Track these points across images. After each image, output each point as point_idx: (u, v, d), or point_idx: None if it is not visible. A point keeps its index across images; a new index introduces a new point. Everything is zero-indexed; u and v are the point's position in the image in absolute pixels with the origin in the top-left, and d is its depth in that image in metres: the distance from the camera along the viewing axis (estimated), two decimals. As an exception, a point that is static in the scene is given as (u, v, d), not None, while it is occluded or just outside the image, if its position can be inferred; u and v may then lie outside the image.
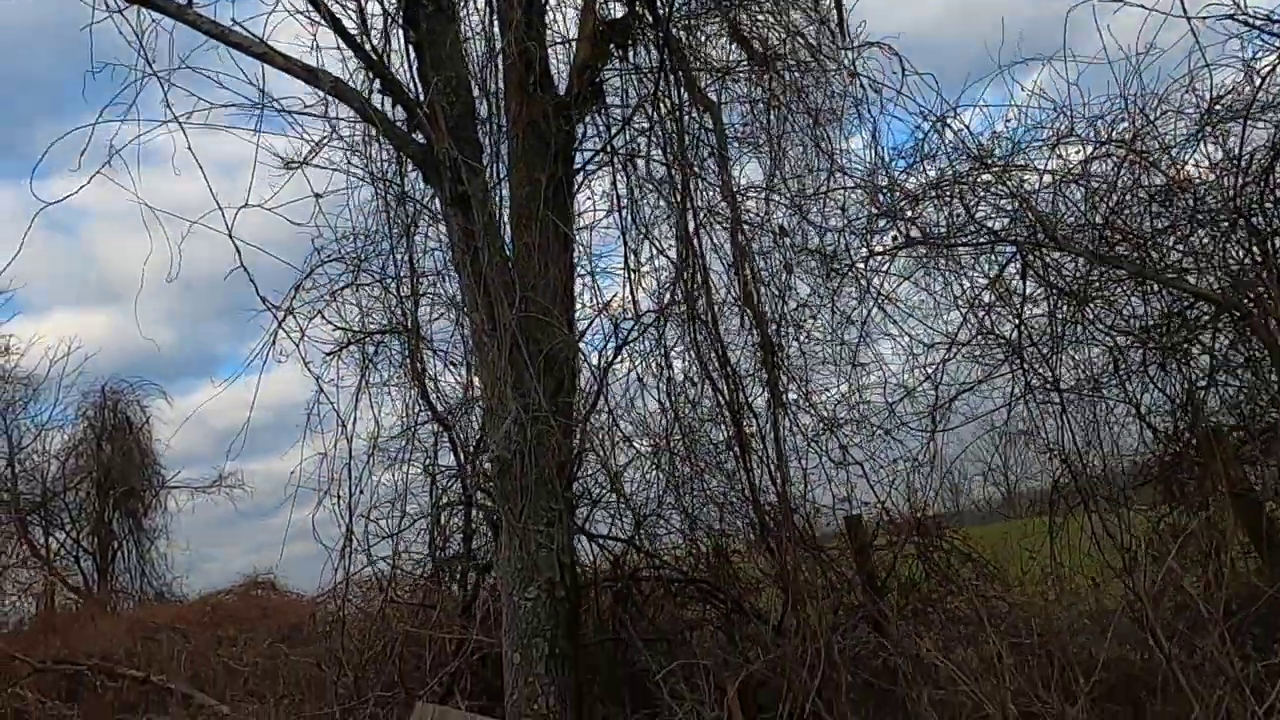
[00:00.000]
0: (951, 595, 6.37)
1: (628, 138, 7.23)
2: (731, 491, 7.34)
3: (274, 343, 6.58)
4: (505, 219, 6.06)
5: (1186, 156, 5.42)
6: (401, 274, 7.12)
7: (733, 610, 7.27)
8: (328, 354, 7.25)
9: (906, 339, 6.31)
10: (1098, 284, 5.98)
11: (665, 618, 7.21)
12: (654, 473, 7.52)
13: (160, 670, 10.49)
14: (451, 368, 7.73)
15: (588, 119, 7.00)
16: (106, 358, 35.46)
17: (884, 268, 6.20)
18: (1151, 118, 5.40)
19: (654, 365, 7.35)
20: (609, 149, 7.08)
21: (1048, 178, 5.61)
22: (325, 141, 5.79)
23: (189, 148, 4.81)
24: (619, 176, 7.26)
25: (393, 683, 7.03)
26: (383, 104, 5.40)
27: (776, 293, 6.38)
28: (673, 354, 7.34)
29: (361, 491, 7.09)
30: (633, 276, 7.27)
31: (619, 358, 7.32)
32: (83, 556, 24.74)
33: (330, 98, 5.28)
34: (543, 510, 5.02)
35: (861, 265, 6.20)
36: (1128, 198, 5.51)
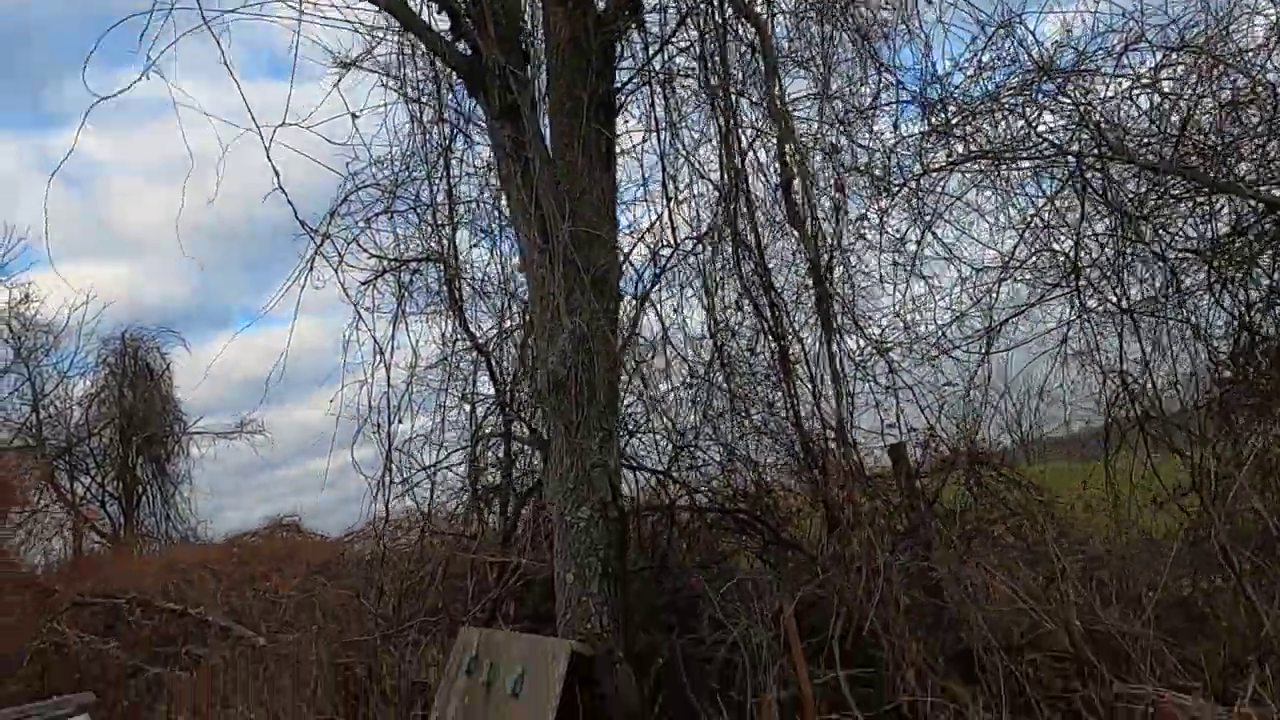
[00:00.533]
0: (1000, 522, 6.29)
1: (667, 58, 7.02)
2: (772, 420, 7.26)
3: (310, 268, 6.48)
4: (547, 138, 5.89)
5: (1264, 62, 5.18)
6: (438, 199, 6.98)
7: (771, 540, 7.23)
8: (363, 283, 7.15)
9: (959, 261, 6.14)
10: (1158, 202, 5.79)
11: (703, 548, 7.17)
12: (692, 403, 7.43)
13: (196, 604, 10.58)
14: (486, 297, 7.63)
15: (626, 39, 6.78)
16: (123, 311, 35.62)
17: (937, 187, 6.01)
18: (1227, 22, 5.16)
19: (694, 293, 7.23)
20: (648, 69, 6.87)
21: (1114, 88, 5.39)
22: (364, 56, 5.61)
23: (223, 56, 4.65)
24: (658, 99, 7.07)
25: (435, 609, 7.04)
26: (423, 12, 5.22)
27: (825, 213, 6.21)
28: (713, 282, 7.20)
29: (400, 420, 7.04)
30: (671, 204, 7.11)
31: (657, 286, 7.19)
32: (108, 501, 25.15)
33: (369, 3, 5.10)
34: (595, 428, 4.93)
35: (914, 185, 6.01)
36: (1199, 106, 5.29)
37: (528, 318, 6.96)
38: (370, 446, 7.63)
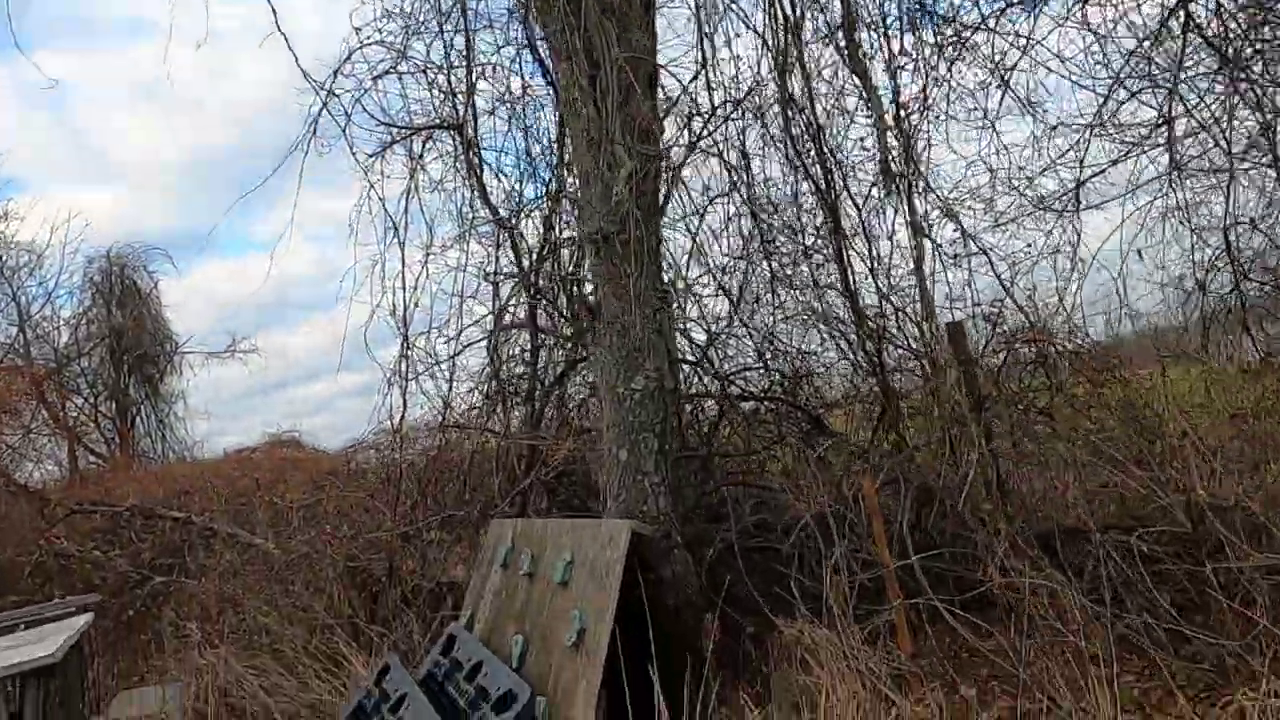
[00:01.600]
0: (1073, 406, 5.80)
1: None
2: (817, 300, 6.71)
3: (314, 132, 5.83)
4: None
5: None
6: (452, 60, 6.28)
7: (813, 429, 6.76)
8: (371, 155, 6.50)
9: (1039, 113, 5.51)
10: (1266, 43, 5.14)
11: (744, 438, 6.71)
12: (721, 290, 6.88)
13: (201, 512, 10.15)
14: (503, 175, 6.99)
15: None
16: (106, 237, 34.69)
17: (1014, 27, 5.35)
18: None
19: (731, 163, 6.60)
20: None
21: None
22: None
23: None
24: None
25: (460, 504, 6.59)
26: None
27: (886, 62, 5.55)
28: (751, 151, 6.57)
29: (416, 304, 6.47)
30: (708, 67, 6.42)
31: (690, 156, 6.55)
32: (102, 422, 24.78)
33: None
34: (649, 289, 4.37)
35: (991, 24, 5.34)
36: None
37: (554, 186, 6.34)
38: (383, 345, 7.06)
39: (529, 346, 6.93)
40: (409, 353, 6.34)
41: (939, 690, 3.99)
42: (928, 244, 5.47)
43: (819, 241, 6.29)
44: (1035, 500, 4.62)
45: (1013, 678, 4.04)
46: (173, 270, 24.61)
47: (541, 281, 6.45)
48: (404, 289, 6.20)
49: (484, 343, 7.08)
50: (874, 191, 5.64)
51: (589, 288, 5.18)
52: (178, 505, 11.09)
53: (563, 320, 6.34)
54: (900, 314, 5.84)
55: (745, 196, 6.59)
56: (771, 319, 6.84)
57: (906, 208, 4.88)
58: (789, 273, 6.69)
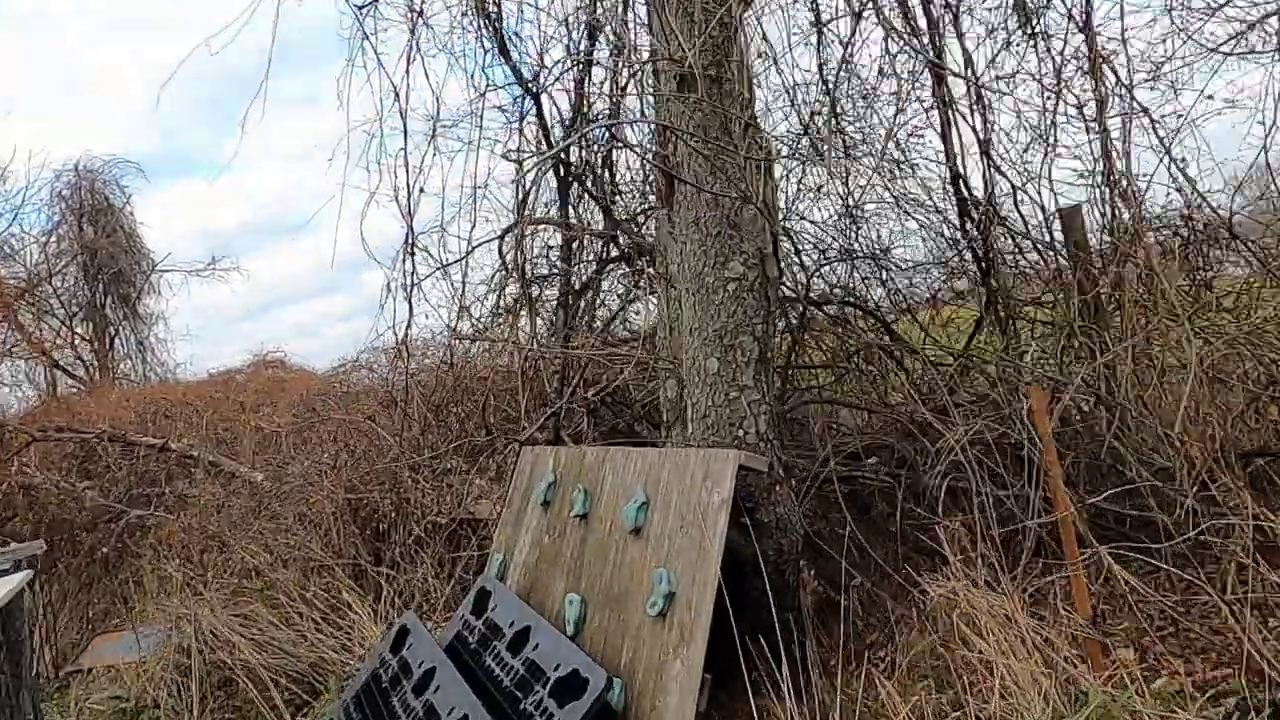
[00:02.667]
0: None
1: None
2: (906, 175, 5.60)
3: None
4: None
5: None
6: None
7: (895, 338, 5.73)
8: (362, 7, 5.26)
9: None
10: None
11: (822, 346, 5.68)
12: (798, 167, 5.74)
13: (180, 437, 9.14)
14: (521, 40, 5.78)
15: None
16: (73, 156, 33.05)
17: None
18: None
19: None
20: None
21: None
22: None
23: None
24: None
25: (481, 425, 5.58)
26: None
27: None
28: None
29: (422, 190, 5.33)
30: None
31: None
32: (79, 344, 23.75)
33: None
34: (746, 146, 3.27)
35: None
36: None
37: (586, 44, 5.16)
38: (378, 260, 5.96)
39: (560, 242, 5.82)
40: (414, 249, 5.22)
41: (1136, 665, 3.04)
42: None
43: (916, 102, 5.15)
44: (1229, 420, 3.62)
45: (1229, 648, 3.10)
46: (145, 185, 23.21)
47: (574, 161, 5.31)
48: (407, 169, 5.05)
49: (503, 238, 5.95)
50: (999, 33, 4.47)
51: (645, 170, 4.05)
52: (154, 431, 10.06)
53: (601, 206, 5.23)
54: (1020, 192, 4.76)
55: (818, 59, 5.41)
56: (856, 201, 5.72)
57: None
58: (876, 142, 5.56)
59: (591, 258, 6.04)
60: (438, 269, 5.19)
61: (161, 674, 6.00)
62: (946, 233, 5.27)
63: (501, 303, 6.27)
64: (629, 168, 5.58)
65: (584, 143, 5.25)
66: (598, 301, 5.93)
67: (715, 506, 2.94)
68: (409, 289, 5.22)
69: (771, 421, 3.39)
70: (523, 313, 5.45)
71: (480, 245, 5.61)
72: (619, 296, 6.23)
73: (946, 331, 5.55)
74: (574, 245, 5.53)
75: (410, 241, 5.22)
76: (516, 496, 4.67)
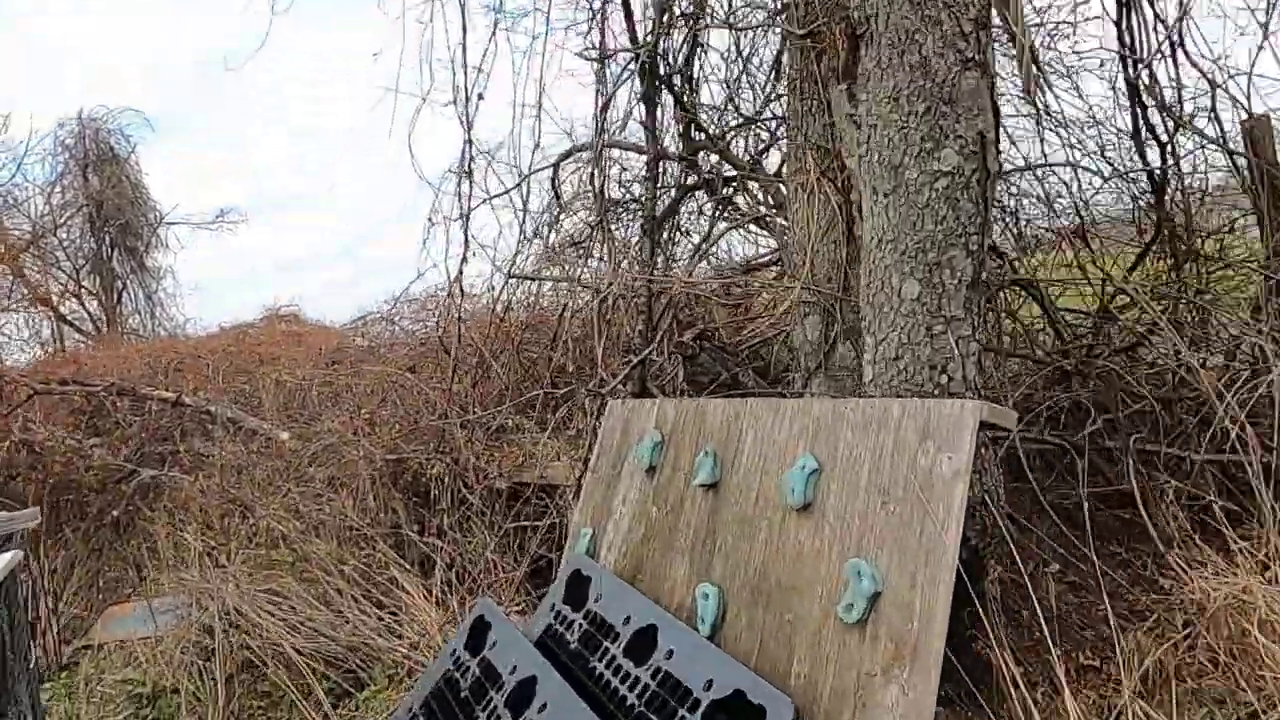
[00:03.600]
0: None
1: None
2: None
3: None
4: None
5: None
6: None
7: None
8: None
9: None
10: None
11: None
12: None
13: (194, 391, 8.37)
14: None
15: None
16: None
17: None
18: None
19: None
20: None
21: None
22: None
23: None
24: None
25: (548, 376, 4.78)
26: None
27: None
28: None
29: (482, 96, 4.48)
30: None
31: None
32: (86, 298, 23.12)
33: None
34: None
35: None
36: None
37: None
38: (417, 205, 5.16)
39: (643, 163, 4.97)
40: (471, 167, 4.38)
41: None
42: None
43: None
44: None
45: None
46: (151, 135, 22.46)
47: (663, 65, 4.45)
48: (465, 69, 4.19)
49: (560, 163, 5.11)
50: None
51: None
52: (166, 385, 9.29)
53: (687, 119, 4.38)
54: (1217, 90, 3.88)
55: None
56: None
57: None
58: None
59: (671, 183, 5.19)
60: (504, 192, 4.35)
61: (181, 656, 5.27)
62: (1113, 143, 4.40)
63: (556, 236, 5.44)
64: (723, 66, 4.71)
65: (671, 33, 4.37)
66: (678, 234, 5.09)
67: (946, 478, 2.14)
68: (465, 213, 4.38)
69: (980, 362, 2.57)
70: (596, 244, 4.62)
71: (543, 169, 4.77)
72: (702, 226, 5.39)
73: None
74: (660, 167, 4.68)
75: (468, 156, 4.37)
76: (605, 460, 3.88)
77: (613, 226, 5.40)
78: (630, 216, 5.02)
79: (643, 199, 4.86)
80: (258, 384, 8.68)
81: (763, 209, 4.91)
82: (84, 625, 6.97)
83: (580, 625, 3.10)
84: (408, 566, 5.28)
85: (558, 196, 5.51)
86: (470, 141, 4.33)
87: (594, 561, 3.43)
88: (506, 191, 5.12)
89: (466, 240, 4.52)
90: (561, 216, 5.22)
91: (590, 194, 5.52)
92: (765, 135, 5.12)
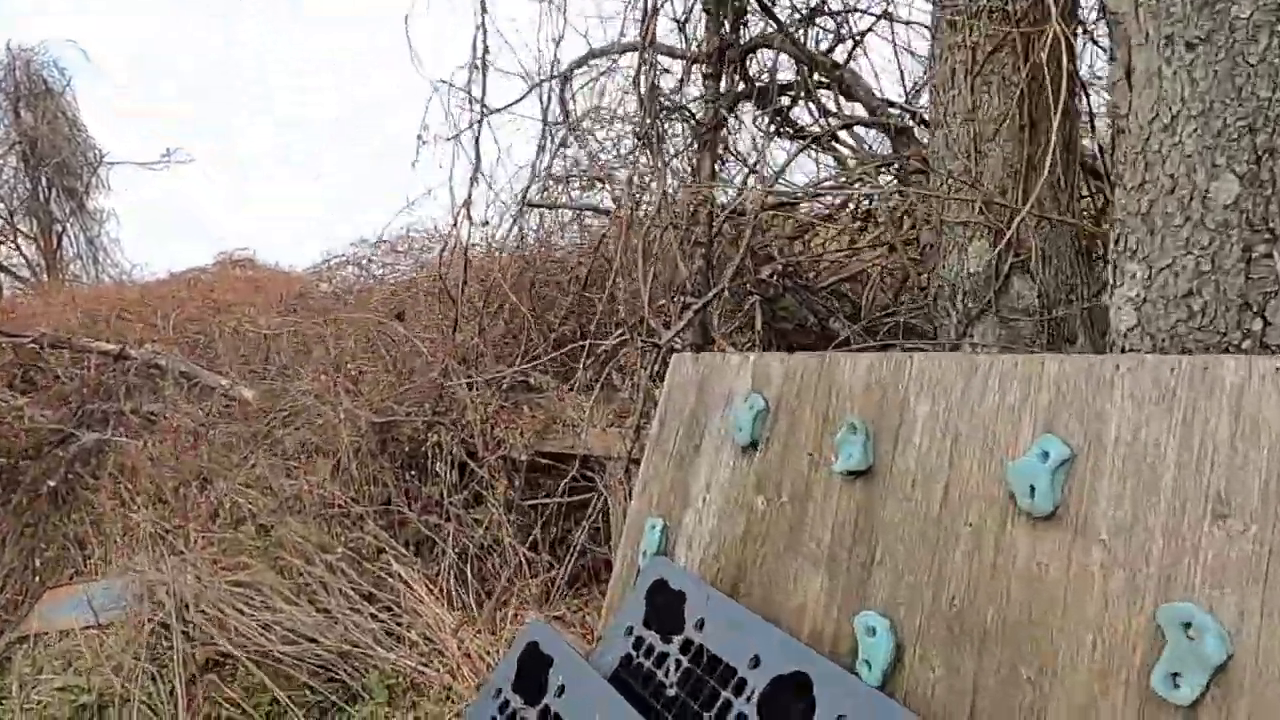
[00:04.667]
0: None
1: None
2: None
3: None
4: None
5: None
6: None
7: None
8: None
9: None
10: None
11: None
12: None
13: (141, 343, 7.35)
14: None
15: None
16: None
17: None
18: None
19: None
20: None
21: None
22: None
23: None
24: None
25: (586, 327, 3.90)
26: None
27: None
28: None
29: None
30: None
31: None
32: (24, 243, 21.62)
33: None
34: None
35: None
36: None
37: None
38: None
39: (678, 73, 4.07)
40: (485, 58, 3.44)
41: None
42: None
43: None
44: None
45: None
46: (86, 66, 20.89)
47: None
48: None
49: (583, 62, 4.19)
50: None
51: None
52: (110, 335, 8.23)
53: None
54: None
55: None
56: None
57: None
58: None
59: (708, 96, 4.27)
60: (518, 99, 3.41)
61: (133, 662, 4.39)
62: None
63: (569, 158, 4.53)
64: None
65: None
66: (728, 154, 4.19)
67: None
68: (480, 114, 3.45)
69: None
70: (642, 159, 3.71)
71: (571, 73, 3.86)
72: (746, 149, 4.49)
73: None
74: (721, 62, 3.76)
75: (481, 44, 3.43)
76: (672, 429, 3.04)
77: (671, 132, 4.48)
78: (672, 133, 4.11)
79: (692, 106, 3.95)
80: (213, 334, 7.67)
81: (833, 121, 4.03)
82: (19, 614, 6.03)
83: (677, 661, 2.28)
84: (403, 552, 4.42)
85: (566, 114, 4.58)
86: (484, 27, 3.37)
87: (682, 569, 2.59)
88: (519, 99, 4.18)
89: (478, 152, 3.57)
90: (580, 132, 4.30)
91: (620, 104, 4.59)
92: (830, 28, 4.23)
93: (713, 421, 2.87)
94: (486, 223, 4.13)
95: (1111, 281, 2.01)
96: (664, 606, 2.46)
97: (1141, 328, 1.94)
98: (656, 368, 3.45)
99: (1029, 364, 1.90)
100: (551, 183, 4.52)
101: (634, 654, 2.41)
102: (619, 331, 3.59)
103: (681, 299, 3.49)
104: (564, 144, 4.34)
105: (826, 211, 4.02)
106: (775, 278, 3.20)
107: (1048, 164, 2.28)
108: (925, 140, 3.46)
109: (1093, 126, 3.49)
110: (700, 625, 2.30)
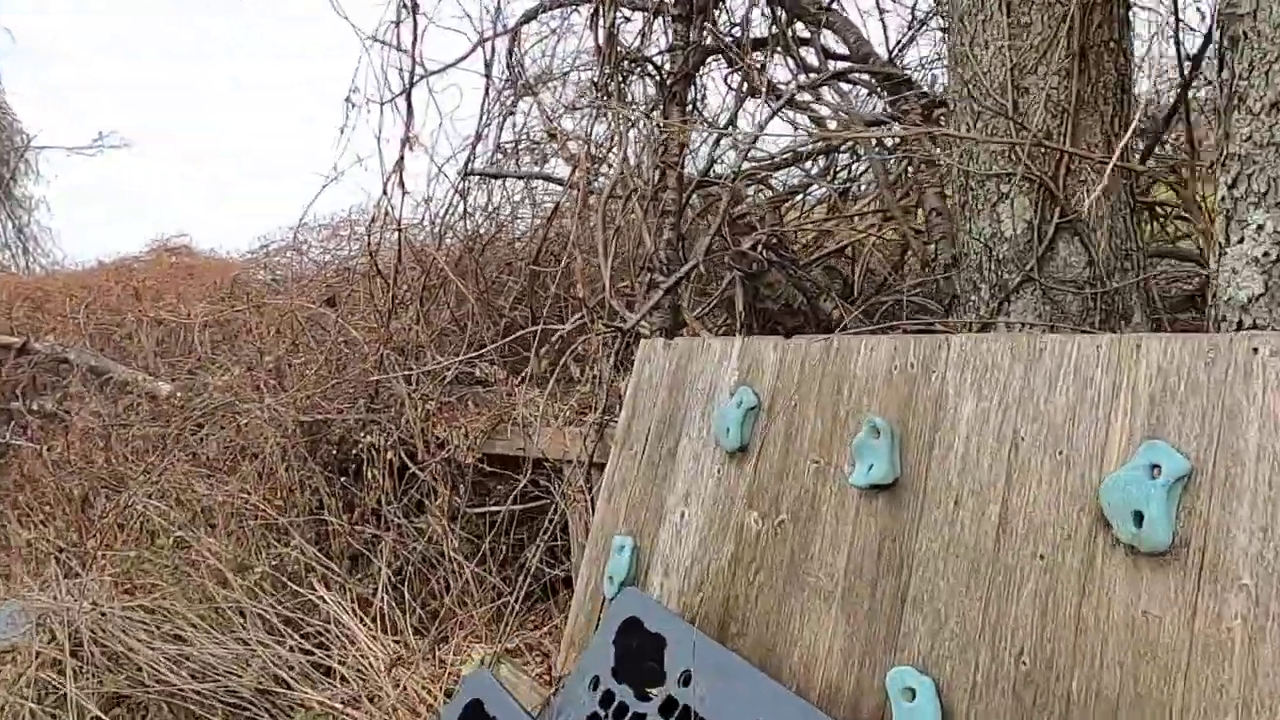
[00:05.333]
0: None
1: None
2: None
3: None
4: None
5: None
6: None
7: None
8: None
9: None
10: None
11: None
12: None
13: (47, 334, 6.68)
14: None
15: None
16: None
17: None
18: None
19: None
20: None
21: None
22: None
23: None
24: None
25: (538, 312, 3.39)
26: None
27: None
28: None
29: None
30: None
31: None
32: (-57, 232, 20.50)
33: None
34: None
35: None
36: None
37: None
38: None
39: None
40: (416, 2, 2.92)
41: None
42: None
43: None
44: None
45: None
46: (9, 44, 19.81)
47: None
48: None
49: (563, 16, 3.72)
50: None
51: None
52: (15, 328, 7.51)
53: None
54: None
55: None
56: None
57: None
58: None
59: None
60: (462, 57, 2.90)
61: (20, 703, 3.81)
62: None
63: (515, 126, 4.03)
64: None
65: None
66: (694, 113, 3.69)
67: None
68: (411, 75, 2.94)
69: None
70: (599, 124, 3.21)
71: (535, 16, 3.37)
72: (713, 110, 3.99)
73: None
74: (693, 12, 3.28)
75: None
76: (641, 430, 2.56)
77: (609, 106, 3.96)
78: (632, 95, 3.60)
79: (657, 58, 3.46)
80: (134, 326, 7.01)
81: (827, 70, 3.55)
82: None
83: (656, 726, 1.81)
84: (335, 570, 3.89)
85: (515, 75, 4.07)
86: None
87: (658, 603, 2.12)
88: (462, 58, 3.66)
89: (410, 110, 3.05)
90: (531, 94, 3.80)
91: (574, 64, 4.08)
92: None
93: (691, 420, 2.40)
94: (429, 199, 3.59)
95: (1221, 239, 1.57)
96: (638, 652, 1.99)
97: (1271, 296, 1.50)
98: (620, 356, 2.97)
99: (1119, 346, 1.44)
100: (501, 156, 4.00)
101: (601, 714, 1.93)
102: (576, 315, 3.10)
103: (649, 276, 3.01)
104: (511, 110, 3.82)
105: (808, 180, 3.56)
106: (761, 250, 2.73)
107: (1099, 102, 1.85)
108: (928, 95, 3.01)
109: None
110: (685, 680, 1.83)
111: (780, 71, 3.90)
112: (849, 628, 1.77)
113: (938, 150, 2.31)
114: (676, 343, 2.57)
